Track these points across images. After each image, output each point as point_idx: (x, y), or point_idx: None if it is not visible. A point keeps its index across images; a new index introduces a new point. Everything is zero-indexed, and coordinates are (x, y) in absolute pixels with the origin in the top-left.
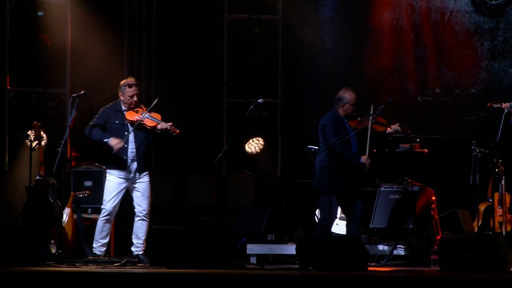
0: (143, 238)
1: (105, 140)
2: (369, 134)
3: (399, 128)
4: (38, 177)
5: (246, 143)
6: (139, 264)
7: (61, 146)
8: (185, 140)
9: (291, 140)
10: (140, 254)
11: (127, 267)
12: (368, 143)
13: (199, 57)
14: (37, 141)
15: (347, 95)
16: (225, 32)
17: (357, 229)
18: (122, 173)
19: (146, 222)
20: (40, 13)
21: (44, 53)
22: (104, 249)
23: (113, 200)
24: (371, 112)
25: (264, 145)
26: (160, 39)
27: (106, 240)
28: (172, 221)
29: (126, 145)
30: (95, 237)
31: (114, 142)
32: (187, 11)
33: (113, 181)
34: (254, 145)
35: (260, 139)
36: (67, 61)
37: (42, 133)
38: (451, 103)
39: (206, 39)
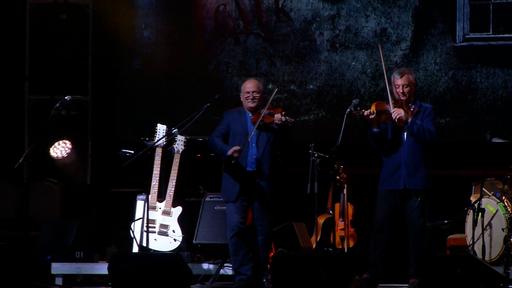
0: None
1: None
2: (255, 126)
3: (282, 117)
4: None
5: (51, 147)
6: None
7: None
8: None
9: (103, 143)
10: None
11: None
12: (250, 134)
13: None
14: None
15: (242, 85)
16: (27, 19)
17: (267, 247)
18: None
19: None
20: None
21: None
22: None
23: None
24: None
25: (72, 149)
26: None
27: None
28: None
29: None
30: None
31: None
32: None
33: None
34: (60, 149)
35: (67, 142)
36: None
37: None
38: (286, 101)
39: (5, 27)
